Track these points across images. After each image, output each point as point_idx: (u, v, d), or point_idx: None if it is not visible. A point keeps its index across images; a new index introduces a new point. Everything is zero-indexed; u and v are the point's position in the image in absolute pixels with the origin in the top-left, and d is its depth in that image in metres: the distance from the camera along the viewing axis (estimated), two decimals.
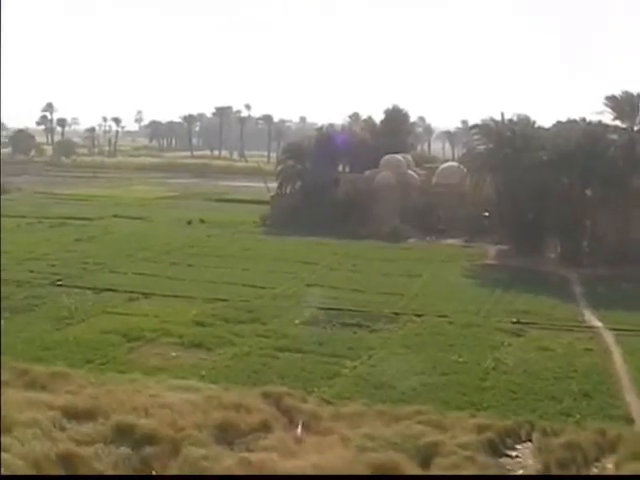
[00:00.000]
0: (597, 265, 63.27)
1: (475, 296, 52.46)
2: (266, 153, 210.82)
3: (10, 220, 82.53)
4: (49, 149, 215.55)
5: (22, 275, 54.87)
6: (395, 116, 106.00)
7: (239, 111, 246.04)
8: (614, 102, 71.87)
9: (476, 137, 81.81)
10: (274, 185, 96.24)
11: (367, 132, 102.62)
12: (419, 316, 46.42)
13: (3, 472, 21.64)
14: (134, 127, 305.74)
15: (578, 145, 69.32)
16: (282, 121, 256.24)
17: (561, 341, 41.28)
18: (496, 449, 26.67)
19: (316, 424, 28.08)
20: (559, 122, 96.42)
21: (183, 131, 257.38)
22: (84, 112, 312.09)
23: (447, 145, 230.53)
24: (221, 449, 25.10)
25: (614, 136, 71.24)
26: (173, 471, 23.40)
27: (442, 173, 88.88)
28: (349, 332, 42.60)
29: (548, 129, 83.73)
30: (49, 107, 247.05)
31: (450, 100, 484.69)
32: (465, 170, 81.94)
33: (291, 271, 59.42)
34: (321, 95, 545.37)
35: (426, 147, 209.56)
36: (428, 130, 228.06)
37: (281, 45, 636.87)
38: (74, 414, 26.86)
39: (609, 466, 25.21)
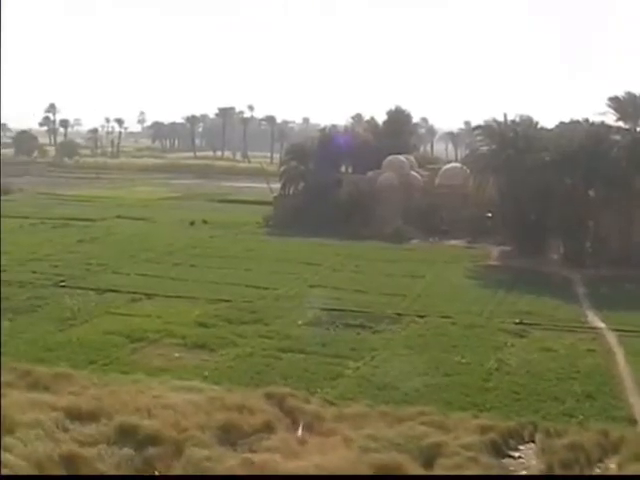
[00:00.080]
0: (600, 266, 63.21)
1: (478, 297, 52.43)
2: (269, 154, 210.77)
3: (13, 221, 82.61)
4: (52, 150, 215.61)
5: (25, 276, 54.85)
6: (398, 117, 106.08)
7: (242, 112, 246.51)
8: (617, 103, 71.90)
9: (479, 138, 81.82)
10: (277, 186, 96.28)
11: (370, 133, 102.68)
12: (422, 317, 46.39)
13: (4, 472, 21.65)
14: (137, 128, 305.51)
15: (581, 146, 69.30)
16: (285, 122, 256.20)
17: (564, 342, 41.25)
18: (499, 450, 26.67)
19: (319, 425, 28.09)
20: (562, 123, 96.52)
21: (186, 132, 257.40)
22: (87, 113, 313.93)
23: (450, 146, 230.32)
24: (224, 450, 25.12)
25: (617, 137, 71.29)
26: (176, 472, 23.43)
27: (445, 174, 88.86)
28: (352, 333, 42.59)
29: (551, 130, 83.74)
30: (52, 108, 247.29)
31: (453, 101, 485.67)
32: (468, 171, 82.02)
33: (294, 272, 59.41)
34: (324, 96, 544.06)
35: (429, 148, 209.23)
36: (431, 131, 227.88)
37: (284, 46, 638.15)
38: (77, 415, 26.90)
39: (612, 467, 25.20)
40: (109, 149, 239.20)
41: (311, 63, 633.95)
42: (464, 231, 78.47)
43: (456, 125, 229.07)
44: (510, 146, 73.52)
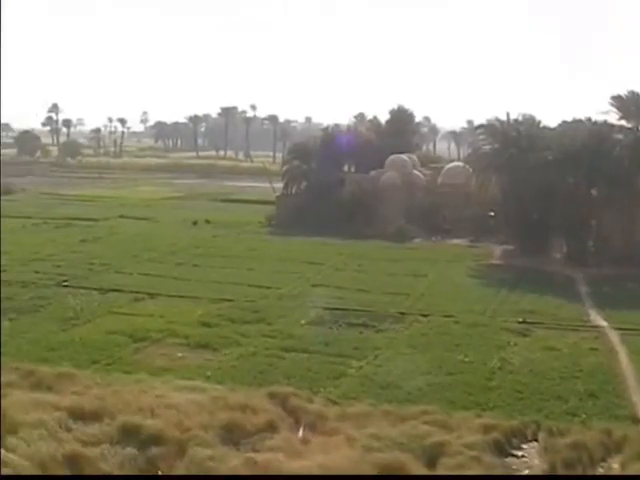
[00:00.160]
0: (603, 265, 63.18)
1: (481, 296, 52.42)
2: (272, 153, 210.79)
3: (15, 221, 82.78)
4: (54, 150, 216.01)
5: (28, 276, 54.91)
6: (400, 116, 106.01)
7: (245, 111, 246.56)
8: (620, 102, 71.80)
9: (481, 137, 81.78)
10: (280, 185, 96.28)
11: (372, 132, 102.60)
12: (425, 316, 46.38)
13: (4, 472, 21.66)
14: (140, 128, 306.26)
15: (584, 145, 69.26)
16: (288, 121, 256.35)
17: (567, 341, 41.24)
18: (502, 449, 26.65)
19: (322, 424, 28.08)
20: (564, 122, 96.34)
21: (189, 132, 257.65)
22: (90, 113, 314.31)
23: (452, 145, 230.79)
24: (227, 449, 25.11)
25: (620, 136, 71.21)
26: (179, 471, 23.43)
27: (447, 173, 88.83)
28: (355, 332, 42.58)
29: (553, 129, 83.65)
30: (54, 108, 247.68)
31: (455, 100, 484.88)
32: (470, 170, 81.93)
33: (297, 271, 59.42)
34: (327, 95, 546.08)
35: (431, 147, 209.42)
36: (433, 130, 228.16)
37: (286, 45, 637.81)
38: (80, 415, 26.90)
39: (615, 466, 25.17)
40: (112, 149, 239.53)
41: (313, 62, 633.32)
42: (467, 230, 78.46)
43: (458, 124, 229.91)
44: (513, 145, 73.50)
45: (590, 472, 24.79)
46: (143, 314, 45.46)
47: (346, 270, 61.15)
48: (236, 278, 56.26)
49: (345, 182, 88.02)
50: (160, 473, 23.39)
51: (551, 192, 67.68)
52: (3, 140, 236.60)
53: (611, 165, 67.19)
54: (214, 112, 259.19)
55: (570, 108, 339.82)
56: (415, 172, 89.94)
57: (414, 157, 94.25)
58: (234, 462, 23.70)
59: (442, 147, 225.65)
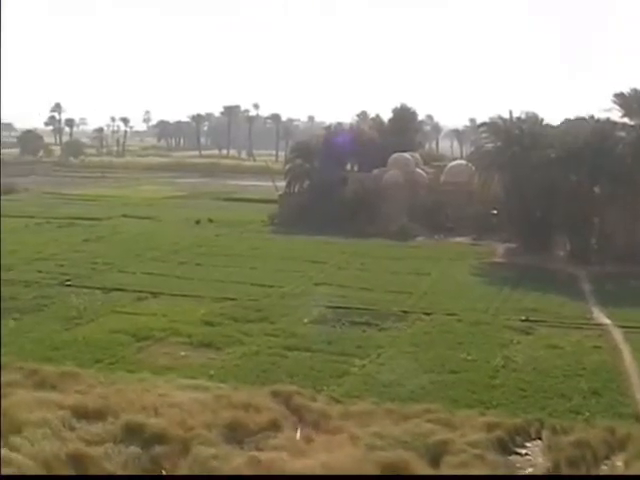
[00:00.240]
0: (606, 263, 63.12)
1: (484, 294, 52.41)
2: (274, 152, 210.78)
3: (18, 220, 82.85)
4: (57, 149, 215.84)
5: (31, 275, 54.95)
6: (403, 115, 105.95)
7: (247, 110, 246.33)
8: (622, 99, 71.74)
9: (484, 135, 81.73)
10: (282, 184, 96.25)
11: (375, 131, 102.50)
12: (428, 314, 46.37)
13: (4, 472, 21.68)
14: (142, 127, 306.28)
15: (586, 143, 69.20)
16: (290, 120, 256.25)
17: (570, 339, 41.23)
18: (506, 447, 26.68)
19: (325, 423, 28.11)
20: (567, 120, 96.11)
21: (191, 131, 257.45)
22: (92, 112, 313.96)
23: (455, 143, 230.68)
24: (230, 448, 25.14)
25: (622, 133, 71.11)
26: (183, 470, 23.45)
27: (450, 171, 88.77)
28: (358, 331, 42.59)
29: (556, 127, 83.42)
30: (57, 107, 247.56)
31: (458, 98, 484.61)
32: (473, 168, 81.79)
33: (299, 270, 59.41)
34: (329, 94, 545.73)
35: (434, 145, 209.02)
36: (436, 128, 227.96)
37: (289, 44, 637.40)
38: (84, 414, 26.96)
39: (618, 464, 25.18)
40: (114, 148, 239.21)
41: (316, 61, 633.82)
42: (469, 228, 78.44)
43: (461, 122, 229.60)
44: (515, 143, 73.42)
45: (594, 470, 24.80)
46: (146, 313, 45.48)
47: (349, 269, 61.16)
48: (239, 277, 56.27)
49: (348, 181, 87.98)
50: (164, 472, 23.42)
51: (554, 190, 67.64)
52: (6, 140, 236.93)
53: (614, 163, 67.13)
54: (217, 111, 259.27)
55: (570, 107, 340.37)
56: (418, 170, 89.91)
57: (417, 155, 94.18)
58: (237, 461, 23.73)
59: (445, 145, 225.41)
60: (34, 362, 34.15)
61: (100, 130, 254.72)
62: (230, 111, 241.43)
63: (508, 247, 72.37)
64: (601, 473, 24.86)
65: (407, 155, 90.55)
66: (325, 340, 40.38)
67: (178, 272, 58.05)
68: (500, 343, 40.55)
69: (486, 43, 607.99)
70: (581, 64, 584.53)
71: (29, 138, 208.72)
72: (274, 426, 27.15)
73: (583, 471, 24.55)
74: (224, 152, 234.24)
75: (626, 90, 72.04)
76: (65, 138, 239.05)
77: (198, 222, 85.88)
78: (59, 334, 40.65)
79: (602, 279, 57.52)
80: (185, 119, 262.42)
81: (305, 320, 44.37)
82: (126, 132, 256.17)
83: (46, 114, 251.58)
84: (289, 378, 33.99)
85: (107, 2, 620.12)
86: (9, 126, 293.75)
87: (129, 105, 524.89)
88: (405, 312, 46.75)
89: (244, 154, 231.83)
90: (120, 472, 23.04)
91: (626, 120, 71.87)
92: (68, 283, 53.05)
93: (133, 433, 25.38)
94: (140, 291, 50.93)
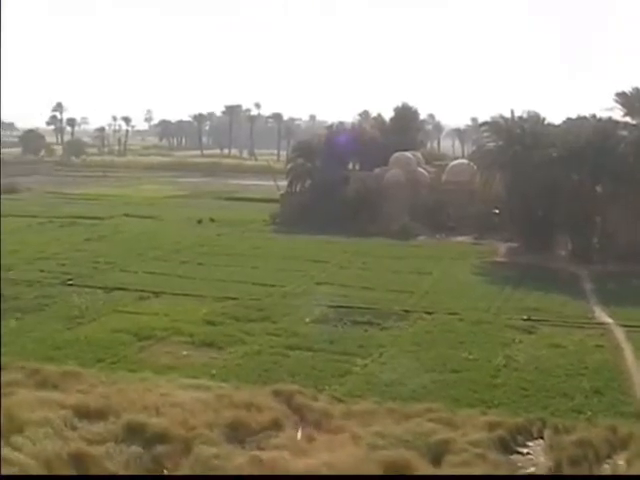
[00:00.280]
0: (607, 262, 63.07)
1: (485, 293, 52.41)
2: (276, 151, 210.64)
3: (20, 220, 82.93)
4: (59, 149, 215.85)
5: (33, 275, 54.99)
6: (405, 114, 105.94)
7: (249, 110, 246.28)
8: (624, 98, 71.73)
9: (486, 134, 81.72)
10: (284, 183, 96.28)
11: (377, 130, 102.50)
12: (429, 314, 46.36)
13: (4, 472, 21.69)
14: (144, 126, 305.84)
15: (588, 142, 69.18)
16: (292, 119, 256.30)
17: (572, 338, 41.20)
18: (507, 446, 26.66)
19: (327, 422, 28.12)
20: (569, 119, 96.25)
21: (193, 130, 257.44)
22: (94, 112, 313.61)
23: (457, 142, 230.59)
24: (232, 448, 25.17)
25: (624, 132, 71.09)
26: (184, 470, 23.47)
27: (452, 170, 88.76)
28: (359, 330, 42.59)
29: (558, 126, 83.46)
30: (59, 107, 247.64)
31: (460, 98, 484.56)
32: (475, 167, 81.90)
33: (301, 269, 59.41)
34: (331, 93, 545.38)
35: (436, 145, 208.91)
36: (438, 128, 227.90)
37: (290, 44, 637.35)
38: (85, 413, 26.99)
39: (620, 463, 25.16)
40: (116, 147, 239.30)
41: (317, 60, 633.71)
42: (471, 227, 78.42)
43: (463, 121, 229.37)
44: (517, 142, 73.37)
45: (596, 469, 24.78)
46: (148, 312, 45.49)
47: (350, 268, 61.16)
48: (241, 276, 56.27)
49: (349, 180, 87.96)
50: (165, 471, 23.43)
51: (555, 189, 67.61)
52: (8, 139, 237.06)
53: (616, 162, 67.09)
54: (218, 110, 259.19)
55: (571, 107, 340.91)
56: (419, 170, 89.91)
57: (418, 155, 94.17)
58: (239, 460, 23.75)
59: (446, 144, 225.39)
60: (36, 361, 34.18)
61: (102, 129, 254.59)
62: (232, 110, 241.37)
63: (510, 246, 72.35)
64: (603, 472, 24.85)
65: (409, 154, 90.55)
66: (327, 339, 40.38)
67: (180, 271, 58.05)
68: (502, 342, 40.53)
69: (487, 42, 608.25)
70: (581, 64, 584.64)
71: (31, 137, 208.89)
72: (276, 425, 27.18)
73: (585, 470, 24.54)
74: (226, 151, 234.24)
75: (628, 89, 72.08)
76: (67, 137, 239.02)
77: (200, 221, 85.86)
78: (61, 333, 40.67)
79: (604, 278, 57.49)
80: (187, 118, 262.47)
81: (307, 319, 44.36)
82: (128, 131, 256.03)
83: (48, 113, 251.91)
84: (291, 377, 33.98)
85: (109, 2, 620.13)
86: (11, 125, 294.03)
87: (131, 104, 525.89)
88: (407, 311, 46.75)
89: (246, 153, 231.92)
90: (122, 472, 23.06)
91: (628, 119, 71.89)
92: (70, 282, 53.08)
93: (135, 433, 25.41)
94: (142, 290, 50.95)
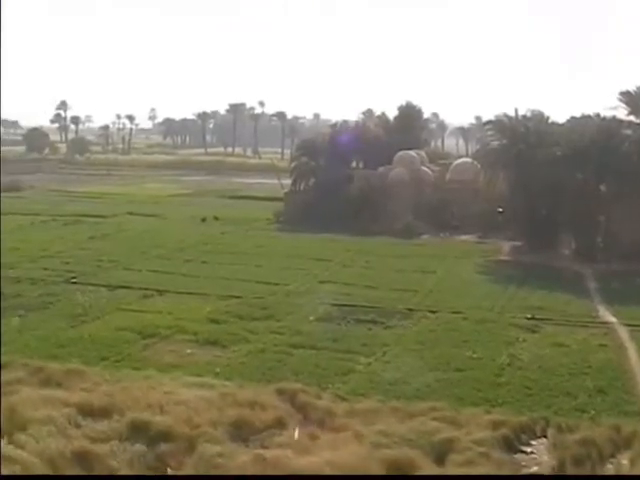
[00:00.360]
0: (611, 261, 63.03)
1: (489, 292, 52.38)
2: (280, 150, 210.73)
3: (24, 218, 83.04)
4: (63, 147, 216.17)
5: (36, 273, 55.03)
6: (409, 112, 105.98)
7: (253, 108, 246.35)
8: (628, 97, 71.66)
9: (490, 133, 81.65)
10: (288, 182, 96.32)
11: (381, 128, 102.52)
12: (433, 312, 46.34)
13: (4, 471, 21.69)
14: (148, 125, 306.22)
15: (592, 141, 69.13)
16: (296, 118, 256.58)
17: (576, 337, 41.18)
18: (511, 445, 26.65)
19: (330, 421, 28.10)
20: (573, 118, 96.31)
21: (197, 128, 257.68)
22: (98, 110, 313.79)
23: (461, 141, 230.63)
24: (236, 446, 25.15)
25: (628, 131, 71.08)
26: (188, 468, 23.46)
27: (456, 169, 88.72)
28: (363, 328, 42.58)
29: (562, 125, 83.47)
30: (63, 105, 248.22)
31: (464, 96, 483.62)
32: (479, 166, 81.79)
33: (305, 268, 59.41)
34: (335, 92, 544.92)
35: (440, 143, 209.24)
36: (442, 126, 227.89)
37: (294, 42, 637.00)
38: (89, 411, 26.98)
39: (624, 462, 25.13)
40: (120, 146, 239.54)
41: (321, 59, 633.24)
42: (475, 226, 78.38)
43: (467, 120, 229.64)
44: (521, 141, 73.34)
45: (599, 468, 24.76)
46: (152, 311, 45.49)
47: (354, 267, 61.15)
48: (244, 275, 56.27)
49: (353, 178, 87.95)
50: (169, 470, 23.43)
51: (560, 188, 67.55)
52: (12, 137, 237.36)
53: (620, 161, 67.05)
54: (222, 109, 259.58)
55: (571, 107, 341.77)
56: (423, 168, 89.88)
57: (422, 153, 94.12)
58: (243, 458, 23.74)
59: (450, 143, 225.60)
60: (39, 359, 34.18)
61: (106, 128, 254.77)
62: (236, 109, 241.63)
63: (514, 245, 72.31)
64: (606, 471, 24.82)
65: (413, 153, 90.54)
66: (330, 338, 40.37)
67: (184, 270, 58.07)
68: (506, 341, 40.52)
69: (491, 41, 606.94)
70: (581, 64, 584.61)
71: (35, 136, 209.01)
72: (279, 424, 27.17)
73: (588, 469, 24.52)
74: (230, 150, 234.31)
75: (632, 88, 72.00)
76: (71, 136, 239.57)
77: (204, 220, 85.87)
78: (64, 331, 40.69)
79: (608, 277, 57.47)
80: (191, 117, 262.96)
81: (310, 318, 44.37)
82: (132, 130, 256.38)
83: (52, 112, 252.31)
84: (294, 376, 33.96)
85: (112, 1, 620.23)
86: (15, 124, 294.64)
87: (135, 103, 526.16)
88: (410, 310, 46.74)
89: (250, 152, 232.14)
90: (126, 470, 23.05)
91: (632, 118, 71.80)
92: (74, 280, 53.09)
93: (138, 431, 25.41)
94: (146, 289, 50.96)
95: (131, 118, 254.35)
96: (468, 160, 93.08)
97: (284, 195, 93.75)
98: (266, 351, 38.14)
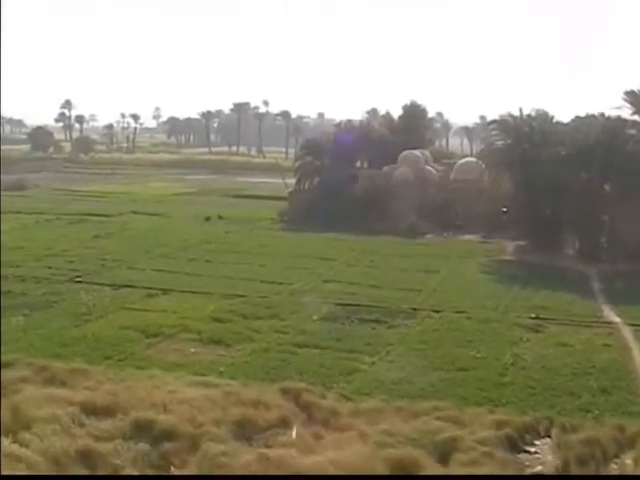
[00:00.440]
0: (616, 261, 62.97)
1: (493, 292, 52.37)
2: (284, 149, 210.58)
3: (29, 217, 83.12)
4: (67, 146, 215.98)
5: (41, 271, 55.04)
6: (413, 112, 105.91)
7: (257, 107, 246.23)
8: (633, 97, 71.60)
9: (494, 133, 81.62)
10: (292, 181, 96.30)
11: (385, 128, 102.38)
12: (437, 312, 46.34)
13: (10, 468, 21.72)
14: (152, 124, 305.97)
15: (597, 140, 69.08)
16: (300, 117, 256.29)
17: (580, 337, 41.16)
18: (515, 445, 26.64)
19: (335, 420, 28.12)
20: (577, 117, 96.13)
21: (201, 127, 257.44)
22: (102, 109, 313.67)
23: (465, 141, 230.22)
24: (240, 445, 25.17)
25: (633, 131, 71.04)
26: (192, 467, 23.48)
27: (460, 169, 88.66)
28: (367, 328, 42.57)
29: (566, 124, 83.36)
30: (67, 104, 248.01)
31: (468, 96, 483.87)
32: (483, 166, 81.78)
33: (309, 267, 59.40)
34: (339, 91, 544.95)
35: (444, 143, 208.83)
36: (446, 126, 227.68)
37: (299, 41, 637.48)
38: (93, 410, 27.01)
39: (628, 462, 25.12)
40: (124, 145, 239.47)
41: (326, 58, 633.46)
42: (479, 226, 78.34)
43: (471, 120, 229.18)
44: (525, 140, 73.26)
45: (603, 468, 24.75)
46: (156, 310, 45.50)
47: (358, 266, 61.15)
48: (248, 274, 56.27)
49: (358, 178, 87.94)
50: (173, 469, 23.45)
51: (564, 188, 67.51)
52: (17, 136, 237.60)
53: (624, 160, 66.96)
54: (227, 108, 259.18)
55: (571, 106, 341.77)
56: (428, 168, 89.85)
57: (427, 153, 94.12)
58: (247, 458, 23.74)
59: (455, 143, 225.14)
60: (44, 358, 34.21)
61: (110, 127, 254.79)
62: (240, 108, 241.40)
63: (518, 245, 72.26)
64: (610, 471, 24.82)
65: (417, 152, 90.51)
66: (334, 337, 40.37)
67: (188, 269, 58.07)
68: (509, 341, 40.51)
69: (496, 41, 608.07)
70: (581, 64, 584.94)
71: (39, 135, 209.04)
72: (283, 423, 27.17)
73: (592, 469, 24.51)
74: (234, 149, 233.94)
75: (636, 88, 71.91)
76: (75, 135, 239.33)
77: (208, 219, 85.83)
78: (69, 330, 40.70)
79: (612, 277, 57.40)
80: (195, 116, 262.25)
81: (314, 317, 44.37)
82: (136, 129, 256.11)
83: (56, 111, 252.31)
84: (298, 375, 33.96)
85: (118, 0, 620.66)
86: (20, 123, 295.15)
87: (139, 102, 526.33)
88: (414, 309, 46.75)
89: (254, 151, 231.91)
90: (129, 468, 23.07)
91: (636, 118, 71.74)
92: (78, 279, 53.11)
93: (142, 429, 25.43)
94: (150, 288, 50.95)
95: (135, 117, 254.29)
96: (472, 160, 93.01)
97: (288, 194, 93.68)
98: (270, 350, 38.14)
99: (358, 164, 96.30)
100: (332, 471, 22.86)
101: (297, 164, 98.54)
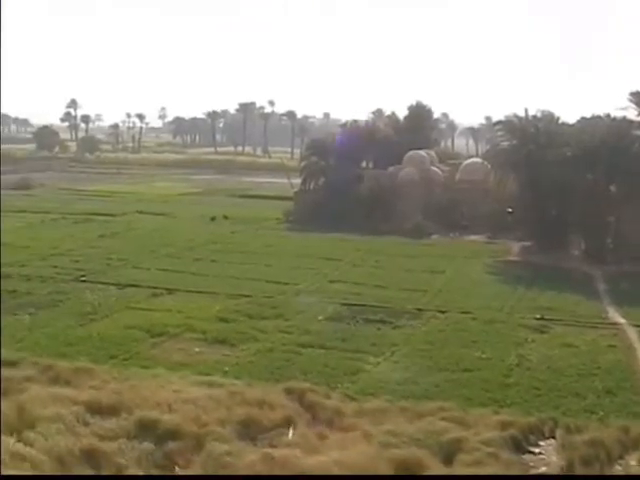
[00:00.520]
0: (621, 262, 62.88)
1: (498, 292, 52.31)
2: (289, 149, 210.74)
3: (34, 216, 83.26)
4: (73, 145, 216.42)
5: (46, 271, 55.09)
6: (419, 112, 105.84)
7: (262, 107, 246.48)
8: (638, 98, 71.50)
9: (500, 133, 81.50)
10: (298, 181, 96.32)
11: (391, 128, 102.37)
12: (442, 312, 46.29)
13: (13, 468, 21.72)
14: (158, 123, 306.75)
15: (602, 141, 68.96)
16: (305, 117, 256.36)
17: (585, 338, 41.10)
18: (519, 446, 26.61)
19: (339, 420, 28.10)
20: (583, 118, 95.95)
21: (207, 127, 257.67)
22: (108, 109, 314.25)
23: (471, 141, 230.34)
24: (244, 445, 25.15)
25: (639, 132, 70.91)
26: (196, 466, 23.48)
27: (466, 169, 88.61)
28: (372, 328, 42.54)
29: (572, 125, 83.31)
30: (73, 104, 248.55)
31: (474, 96, 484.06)
32: (489, 166, 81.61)
33: (314, 267, 59.38)
34: (345, 91, 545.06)
35: (450, 143, 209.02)
36: (452, 126, 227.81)
37: (305, 42, 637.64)
38: (98, 409, 27.02)
39: (633, 463, 25.09)
40: (130, 144, 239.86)
41: (332, 59, 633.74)
42: (484, 226, 78.27)
43: (477, 120, 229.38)
44: (531, 141, 73.22)
45: (608, 469, 24.73)
46: (161, 309, 45.51)
47: (363, 266, 61.12)
48: (254, 274, 56.26)
49: (363, 178, 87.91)
50: (177, 468, 23.45)
51: (569, 189, 67.44)
52: (22, 135, 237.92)
53: (630, 161, 66.90)
54: (232, 108, 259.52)
55: (571, 106, 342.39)
56: (433, 168, 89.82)
57: (432, 153, 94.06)
58: (251, 457, 23.73)
59: (460, 143, 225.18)
60: (49, 357, 34.26)
61: (116, 126, 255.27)
62: (245, 108, 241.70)
63: (523, 245, 72.19)
64: (615, 472, 24.78)
65: (422, 153, 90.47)
66: (339, 337, 40.35)
67: (193, 268, 58.07)
68: (514, 342, 40.47)
69: (502, 42, 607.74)
70: (581, 64, 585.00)
71: (45, 134, 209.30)
72: (288, 423, 27.16)
73: (597, 470, 24.48)
74: (239, 149, 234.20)
75: None
76: (81, 134, 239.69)
77: (213, 219, 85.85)
78: (74, 330, 40.73)
79: (617, 278, 57.31)
80: (201, 116, 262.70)
81: (320, 317, 44.34)
82: (142, 128, 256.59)
83: (62, 110, 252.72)
84: (303, 375, 33.95)
85: (125, 0, 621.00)
86: (25, 122, 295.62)
87: (145, 101, 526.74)
88: (419, 310, 46.72)
89: (259, 151, 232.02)
90: (133, 468, 23.07)
91: None
92: (83, 279, 53.17)
93: (147, 429, 25.44)
94: (155, 287, 50.95)
95: (141, 117, 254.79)
96: (478, 160, 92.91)
97: (294, 194, 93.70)
98: (275, 350, 38.14)
99: (363, 164, 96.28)
100: (336, 471, 22.85)
101: (303, 164, 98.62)
